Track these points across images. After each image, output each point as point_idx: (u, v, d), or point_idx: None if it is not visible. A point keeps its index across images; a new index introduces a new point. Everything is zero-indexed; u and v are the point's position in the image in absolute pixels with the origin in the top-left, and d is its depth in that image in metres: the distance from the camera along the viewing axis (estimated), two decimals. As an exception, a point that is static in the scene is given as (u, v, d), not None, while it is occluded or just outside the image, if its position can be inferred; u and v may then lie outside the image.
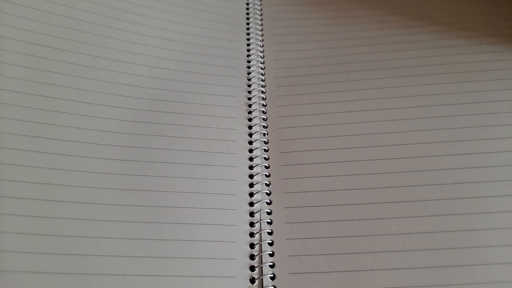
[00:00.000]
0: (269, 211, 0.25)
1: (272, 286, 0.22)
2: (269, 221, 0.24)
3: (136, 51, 0.29)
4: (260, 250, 0.23)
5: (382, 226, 0.24)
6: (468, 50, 0.32)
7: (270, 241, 0.23)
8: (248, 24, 0.34)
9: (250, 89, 0.30)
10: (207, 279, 0.21)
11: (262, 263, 0.22)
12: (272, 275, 0.22)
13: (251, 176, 0.26)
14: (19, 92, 0.24)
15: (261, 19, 0.35)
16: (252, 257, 0.23)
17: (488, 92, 0.29)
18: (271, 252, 0.23)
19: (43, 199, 0.21)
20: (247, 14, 0.35)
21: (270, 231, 0.24)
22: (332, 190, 0.25)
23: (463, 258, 0.23)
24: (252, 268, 0.22)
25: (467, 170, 0.26)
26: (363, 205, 0.25)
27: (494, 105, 0.28)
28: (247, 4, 0.35)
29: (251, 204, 0.25)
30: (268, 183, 0.26)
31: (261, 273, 0.22)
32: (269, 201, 0.25)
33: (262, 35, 0.34)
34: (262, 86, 0.30)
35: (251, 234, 0.23)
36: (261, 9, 0.35)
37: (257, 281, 0.22)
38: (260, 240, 0.23)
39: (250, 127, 0.28)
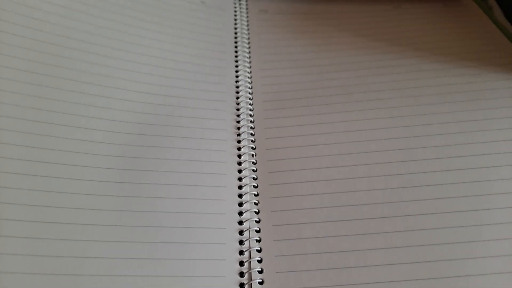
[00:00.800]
0: (258, 229, 0.25)
1: (261, 302, 0.22)
2: (258, 238, 0.25)
3: (130, 78, 0.30)
4: (249, 267, 0.24)
5: (368, 241, 0.25)
6: (444, 73, 0.33)
7: (259, 259, 0.24)
8: (236, 51, 0.36)
9: (238, 112, 0.31)
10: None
11: (251, 280, 0.23)
12: None
13: (240, 196, 0.27)
14: (16, 118, 0.25)
15: (249, 47, 0.37)
16: (241, 274, 0.23)
17: (462, 112, 0.31)
18: (260, 269, 0.24)
19: (38, 220, 0.22)
20: (235, 41, 0.36)
21: (259, 248, 0.25)
22: (318, 208, 0.26)
23: (450, 271, 0.23)
24: (241, 286, 0.23)
25: (445, 185, 0.27)
26: (349, 221, 0.26)
27: (468, 124, 0.30)
28: (235, 32, 0.37)
29: (241, 222, 0.25)
30: (256, 202, 0.27)
31: (250, 289, 0.23)
32: (257, 220, 0.26)
33: (250, 61, 0.35)
34: (250, 109, 0.32)
35: (241, 252, 0.24)
36: (248, 37, 0.37)
37: (246, 297, 0.22)
38: (249, 257, 0.24)
39: (239, 149, 0.29)
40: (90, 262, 0.22)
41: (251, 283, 0.23)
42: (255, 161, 0.29)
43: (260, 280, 0.23)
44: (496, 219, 0.25)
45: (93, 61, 0.30)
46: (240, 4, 0.40)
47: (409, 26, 0.38)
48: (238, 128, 0.30)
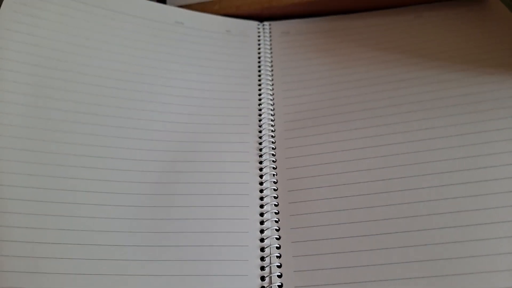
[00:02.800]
0: (278, 245, 0.27)
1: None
2: (278, 255, 0.27)
3: (162, 110, 0.33)
4: (270, 282, 0.26)
5: (385, 256, 0.26)
6: (465, 83, 0.33)
7: (279, 274, 0.26)
8: (259, 75, 0.38)
9: (261, 134, 0.33)
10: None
11: (272, 294, 0.25)
12: None
13: (261, 214, 0.29)
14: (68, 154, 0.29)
15: (271, 69, 0.39)
16: (263, 288, 0.25)
17: (484, 122, 0.30)
18: (280, 284, 0.26)
19: (75, 243, 0.26)
20: (259, 65, 0.39)
21: (279, 264, 0.26)
22: (336, 224, 0.28)
23: (466, 285, 0.24)
24: (263, 299, 0.25)
25: (466, 198, 0.27)
26: (366, 237, 0.27)
27: (491, 134, 0.30)
28: (259, 57, 0.39)
29: (262, 240, 0.27)
30: (277, 220, 0.28)
31: (271, 303, 0.25)
32: (278, 237, 0.28)
33: (272, 84, 0.37)
34: (272, 131, 0.34)
35: (262, 268, 0.26)
36: (271, 60, 0.39)
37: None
38: (270, 273, 0.26)
39: (261, 169, 0.31)
40: (126, 279, 0.25)
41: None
42: (276, 181, 0.30)
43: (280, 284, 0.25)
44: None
45: (130, 97, 0.33)
46: (264, 28, 0.42)
47: (430, 35, 0.38)
48: (260, 150, 0.32)
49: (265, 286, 0.25)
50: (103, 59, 0.34)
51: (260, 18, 0.43)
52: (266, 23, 0.42)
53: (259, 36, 0.41)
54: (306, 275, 0.26)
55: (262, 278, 0.26)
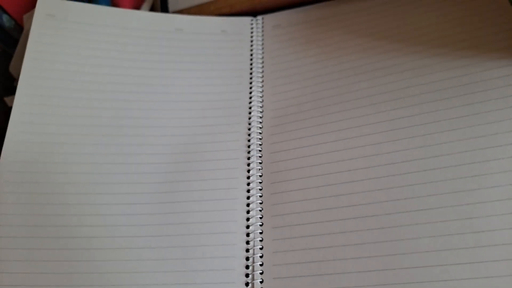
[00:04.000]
0: (261, 231, 0.33)
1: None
2: (261, 239, 0.32)
3: (166, 115, 0.39)
4: (253, 262, 0.32)
5: (362, 250, 0.30)
6: (440, 68, 0.35)
7: (261, 254, 0.32)
8: (251, 72, 0.42)
9: (249, 132, 0.38)
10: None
11: (254, 271, 0.31)
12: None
13: (248, 205, 0.34)
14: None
15: (262, 66, 0.42)
16: (247, 267, 0.31)
17: (455, 108, 0.32)
18: (261, 263, 0.31)
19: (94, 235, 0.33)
20: (251, 63, 0.42)
21: (261, 246, 0.32)
22: (311, 211, 0.32)
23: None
24: (247, 275, 0.31)
25: (444, 182, 0.30)
26: (338, 221, 0.31)
27: (461, 120, 0.32)
28: (251, 55, 0.43)
29: (248, 226, 0.33)
30: (261, 209, 0.34)
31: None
32: (261, 223, 0.33)
33: (263, 80, 0.41)
34: (260, 127, 0.38)
35: (247, 250, 0.32)
36: (262, 56, 0.43)
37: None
38: (253, 254, 0.32)
39: (248, 165, 0.36)
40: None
41: (254, 273, 0.31)
42: (261, 174, 0.35)
43: (261, 271, 0.31)
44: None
45: (136, 107, 0.39)
46: (257, 23, 0.45)
47: (412, 17, 0.39)
48: (249, 146, 0.37)
49: (249, 264, 0.32)
50: (115, 74, 0.40)
51: (254, 13, 0.45)
52: (259, 17, 0.45)
53: (252, 33, 0.44)
54: (283, 255, 0.31)
55: (247, 259, 0.32)
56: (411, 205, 0.30)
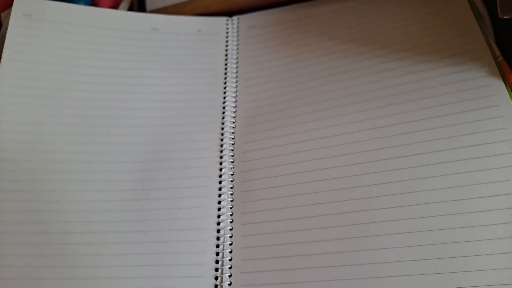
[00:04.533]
0: (231, 227, 0.34)
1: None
2: (231, 235, 0.34)
3: (140, 115, 0.40)
4: (223, 257, 0.33)
5: (327, 246, 0.31)
6: (402, 72, 0.36)
7: (230, 250, 0.34)
8: (225, 73, 0.43)
9: (223, 131, 0.39)
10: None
11: (223, 265, 0.33)
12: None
13: (219, 202, 0.36)
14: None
15: (237, 66, 0.43)
16: (217, 262, 0.33)
17: (411, 112, 0.34)
18: (230, 258, 0.33)
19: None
20: (226, 63, 0.43)
21: (231, 242, 0.34)
22: (279, 209, 0.34)
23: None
24: (216, 262, 0.33)
25: (409, 182, 0.32)
26: (303, 219, 0.33)
27: (415, 124, 0.34)
28: (226, 55, 0.44)
29: (219, 223, 0.35)
30: (231, 206, 0.35)
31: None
32: (231, 220, 0.35)
33: (237, 81, 0.42)
34: (233, 127, 0.39)
35: (217, 246, 0.34)
36: (237, 57, 0.44)
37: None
38: (223, 249, 0.34)
39: (221, 163, 0.37)
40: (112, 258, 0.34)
41: (223, 268, 0.33)
42: (233, 173, 0.37)
43: (230, 266, 0.33)
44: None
45: (110, 106, 0.40)
46: (232, 23, 0.46)
47: (380, 20, 0.40)
48: (222, 146, 0.38)
49: (219, 260, 0.33)
50: (91, 74, 0.41)
51: (230, 13, 0.46)
52: (234, 17, 0.46)
53: (227, 33, 0.45)
54: (251, 251, 0.33)
55: (217, 254, 0.34)
56: (374, 203, 0.32)
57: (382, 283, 0.29)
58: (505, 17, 0.29)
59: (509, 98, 0.32)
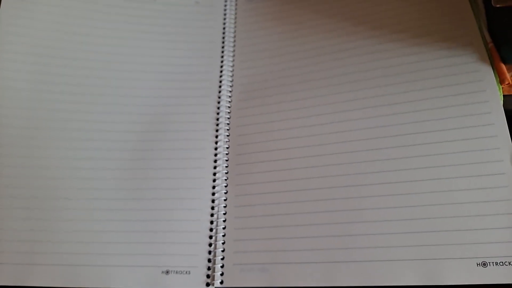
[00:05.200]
0: (226, 198, 0.36)
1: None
2: (225, 205, 0.36)
3: (136, 85, 0.40)
4: (217, 225, 0.35)
5: (315, 217, 0.33)
6: (396, 53, 0.37)
7: (224, 219, 0.35)
8: (223, 46, 0.43)
9: (219, 105, 0.40)
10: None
11: (217, 233, 0.35)
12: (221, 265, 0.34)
13: (214, 174, 0.37)
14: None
15: (234, 40, 0.44)
16: (211, 230, 0.35)
17: (404, 94, 0.35)
18: (224, 226, 0.35)
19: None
20: (223, 36, 0.44)
21: (225, 212, 0.35)
22: (270, 182, 0.35)
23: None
24: (211, 230, 0.35)
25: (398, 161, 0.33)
26: (293, 192, 0.35)
27: (405, 105, 0.35)
28: (224, 28, 0.44)
29: (213, 194, 0.36)
30: (226, 178, 0.37)
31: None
32: (226, 191, 0.36)
33: (234, 55, 0.43)
34: (229, 101, 0.40)
35: (212, 215, 0.35)
36: (234, 31, 0.44)
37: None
38: (217, 218, 0.35)
39: (216, 137, 0.39)
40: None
41: (217, 235, 0.34)
42: (228, 146, 0.38)
43: (223, 233, 0.35)
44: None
45: (106, 75, 0.40)
46: (230, -4, 0.46)
47: (378, 0, 0.41)
48: (217, 119, 0.39)
49: (213, 228, 0.35)
50: (86, 43, 0.41)
51: (228, -16, 0.46)
52: (233, -11, 0.46)
53: (225, 6, 0.45)
54: (243, 221, 0.35)
55: (211, 222, 0.35)
56: (362, 179, 0.34)
57: (367, 252, 0.31)
58: (498, 6, 0.30)
59: (496, 84, 0.33)
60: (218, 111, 0.40)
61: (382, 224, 0.32)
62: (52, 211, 0.35)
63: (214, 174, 0.37)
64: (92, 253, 0.34)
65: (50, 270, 0.33)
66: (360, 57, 0.38)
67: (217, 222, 0.35)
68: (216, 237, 0.35)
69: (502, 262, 0.29)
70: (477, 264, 0.29)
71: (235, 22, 0.44)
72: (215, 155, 0.38)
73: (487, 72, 0.34)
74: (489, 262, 0.29)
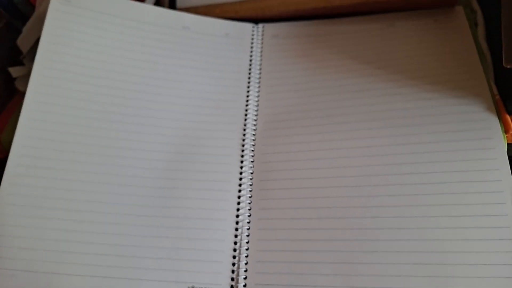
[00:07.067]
0: (249, 220, 0.38)
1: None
2: (248, 227, 0.38)
3: (167, 110, 0.43)
4: (240, 246, 0.37)
5: (336, 245, 0.36)
6: (411, 97, 0.41)
7: (247, 240, 0.38)
8: (249, 77, 0.46)
9: (245, 132, 0.43)
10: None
11: (241, 253, 0.37)
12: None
13: (239, 197, 0.40)
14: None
15: (260, 72, 0.47)
16: (235, 250, 0.37)
17: (414, 136, 0.39)
18: (247, 248, 0.37)
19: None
20: (250, 68, 0.47)
21: (248, 234, 0.38)
22: (293, 208, 0.38)
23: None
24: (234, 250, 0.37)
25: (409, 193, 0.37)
26: (315, 220, 0.37)
27: (417, 146, 0.38)
28: (250, 60, 0.47)
29: (237, 216, 0.39)
30: (250, 201, 0.39)
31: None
32: (249, 214, 0.39)
33: (259, 86, 0.46)
34: (254, 130, 0.43)
35: (236, 236, 0.38)
36: (260, 63, 0.47)
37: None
38: (241, 240, 0.38)
39: (242, 162, 0.41)
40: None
41: (240, 256, 0.37)
42: (252, 172, 0.41)
43: (246, 255, 0.37)
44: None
45: (139, 100, 0.43)
46: (257, 30, 0.49)
47: (397, 46, 0.45)
48: (243, 145, 0.42)
49: (236, 248, 0.37)
50: (122, 65, 0.44)
51: (256, 20, 0.49)
52: (260, 25, 0.49)
53: (252, 39, 0.49)
54: (266, 243, 0.37)
55: (235, 243, 0.38)
56: (378, 211, 0.36)
57: (381, 280, 0.34)
58: (509, 67, 0.34)
59: (501, 132, 0.37)
60: (244, 137, 0.43)
61: (396, 254, 0.35)
62: (84, 223, 0.37)
63: (239, 197, 0.40)
64: (121, 266, 0.36)
65: (80, 281, 0.35)
66: (378, 98, 0.42)
67: (240, 243, 0.38)
68: (239, 258, 0.37)
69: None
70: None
71: (261, 55, 0.48)
72: (240, 179, 0.40)
73: (494, 121, 0.38)
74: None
